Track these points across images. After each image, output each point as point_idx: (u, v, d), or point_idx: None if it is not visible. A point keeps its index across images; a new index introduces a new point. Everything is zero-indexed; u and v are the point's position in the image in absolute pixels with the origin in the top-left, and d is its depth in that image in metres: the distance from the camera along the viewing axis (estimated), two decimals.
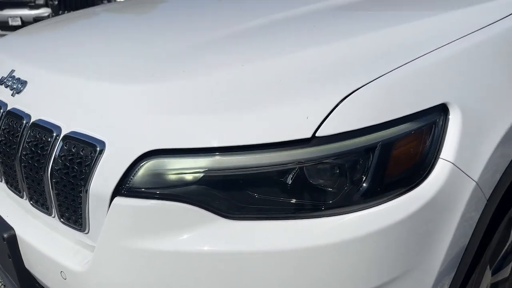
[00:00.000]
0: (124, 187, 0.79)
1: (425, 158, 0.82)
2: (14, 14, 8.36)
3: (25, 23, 8.21)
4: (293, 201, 0.76)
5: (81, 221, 0.87)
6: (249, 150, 0.75)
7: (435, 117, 0.83)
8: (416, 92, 0.82)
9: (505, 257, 1.27)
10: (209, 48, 1.00)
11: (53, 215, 0.94)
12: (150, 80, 0.89)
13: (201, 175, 0.77)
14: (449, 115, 0.84)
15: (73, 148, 0.86)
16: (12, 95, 1.07)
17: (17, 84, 1.08)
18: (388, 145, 0.78)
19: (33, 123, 0.96)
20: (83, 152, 0.84)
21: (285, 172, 0.75)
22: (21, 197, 1.04)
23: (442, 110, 0.84)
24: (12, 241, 1.02)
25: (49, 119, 0.93)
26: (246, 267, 0.76)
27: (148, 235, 0.79)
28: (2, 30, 8.62)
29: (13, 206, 1.09)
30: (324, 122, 0.74)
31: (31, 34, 1.53)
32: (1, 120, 1.06)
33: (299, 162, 0.74)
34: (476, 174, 0.86)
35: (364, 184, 0.77)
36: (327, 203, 0.76)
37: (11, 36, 1.57)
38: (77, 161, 0.85)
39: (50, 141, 0.90)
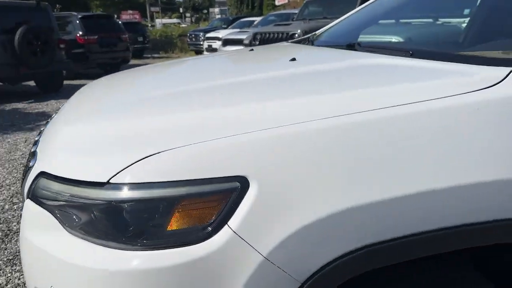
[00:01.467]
0: (30, 193, 1.15)
1: (212, 221, 0.91)
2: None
3: None
4: (99, 229, 0.98)
5: None
6: (74, 184, 1.00)
7: (227, 187, 0.91)
8: (212, 162, 0.92)
9: None
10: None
11: None
12: (72, 124, 1.24)
13: (58, 196, 1.05)
14: (247, 189, 0.91)
15: (31, 161, 1.27)
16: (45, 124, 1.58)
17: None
18: (172, 201, 0.91)
19: (36, 140, 1.43)
20: (31, 164, 1.24)
21: (95, 205, 0.97)
22: None
23: (241, 184, 0.91)
24: None
25: (37, 141, 1.38)
26: (62, 270, 1.01)
27: (31, 229, 1.12)
28: None
29: None
30: (119, 173, 0.94)
31: (101, 83, 2.06)
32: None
33: (97, 199, 0.96)
34: (265, 249, 0.89)
35: (147, 228, 0.92)
36: (118, 237, 0.95)
37: (94, 82, 2.13)
38: (28, 171, 1.26)
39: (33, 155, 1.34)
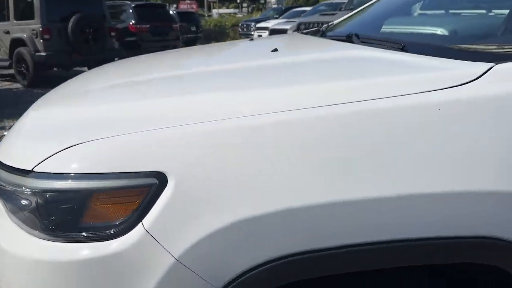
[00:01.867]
0: None
1: (127, 217, 0.87)
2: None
3: None
4: (27, 217, 0.96)
5: None
6: (9, 170, 1.00)
7: (144, 183, 0.86)
8: (130, 156, 0.88)
9: None
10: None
11: None
12: (31, 110, 1.24)
13: (2, 181, 1.06)
14: (165, 186, 0.86)
15: None
16: None
17: None
18: (88, 194, 0.88)
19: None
20: None
21: (23, 193, 0.96)
22: None
23: (159, 180, 0.86)
24: None
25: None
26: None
27: None
28: None
29: None
30: (42, 162, 0.92)
31: (92, 71, 2.04)
32: None
33: (24, 187, 0.94)
34: (177, 251, 0.84)
35: (64, 220, 0.90)
36: (40, 227, 0.93)
37: (91, 70, 2.12)
38: None
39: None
